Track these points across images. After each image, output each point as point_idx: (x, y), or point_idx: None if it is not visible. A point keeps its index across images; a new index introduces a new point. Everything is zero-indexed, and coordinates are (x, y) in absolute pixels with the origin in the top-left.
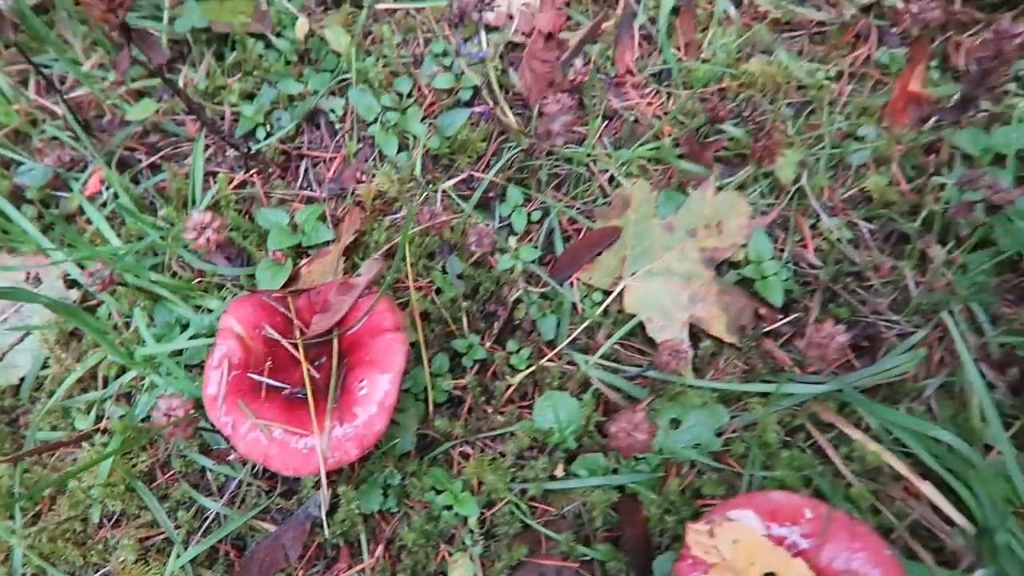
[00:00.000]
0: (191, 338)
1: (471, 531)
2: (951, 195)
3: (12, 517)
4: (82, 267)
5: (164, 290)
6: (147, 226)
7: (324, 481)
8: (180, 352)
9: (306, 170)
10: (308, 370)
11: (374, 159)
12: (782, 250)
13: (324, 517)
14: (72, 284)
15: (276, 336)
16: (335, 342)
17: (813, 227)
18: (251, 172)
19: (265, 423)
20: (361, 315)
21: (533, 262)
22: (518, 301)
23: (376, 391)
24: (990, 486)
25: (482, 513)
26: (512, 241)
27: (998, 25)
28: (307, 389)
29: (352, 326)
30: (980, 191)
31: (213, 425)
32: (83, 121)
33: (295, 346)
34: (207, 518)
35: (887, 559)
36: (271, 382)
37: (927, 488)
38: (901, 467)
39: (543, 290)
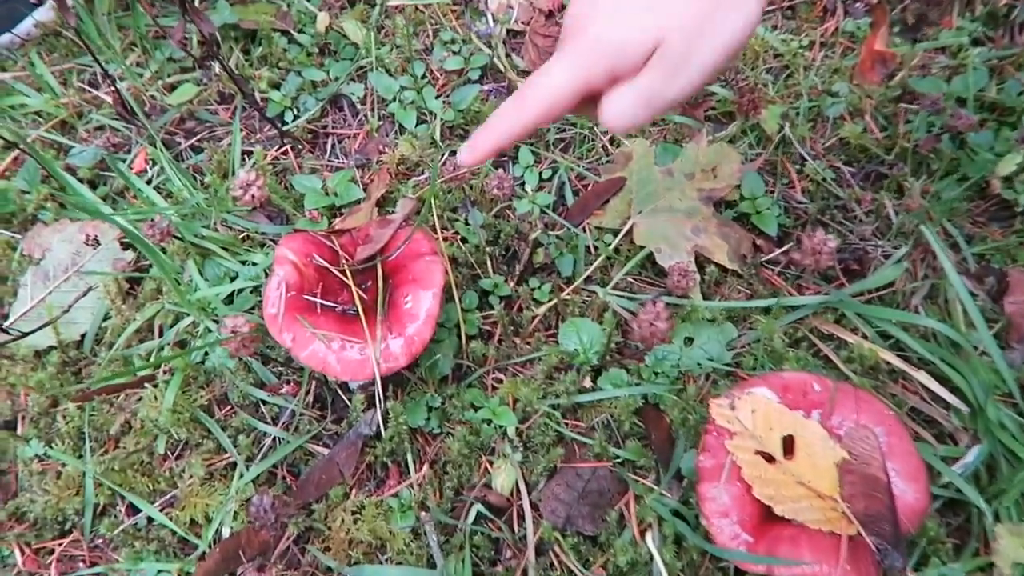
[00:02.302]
0: (240, 288)
1: (511, 440)
2: (919, 134)
3: (81, 456)
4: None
5: (213, 245)
6: (194, 190)
7: (379, 383)
8: (231, 300)
9: (333, 145)
10: (357, 291)
11: (394, 133)
12: (772, 191)
13: (382, 422)
14: (127, 246)
15: (325, 264)
16: (379, 267)
17: (799, 171)
18: (283, 148)
19: (324, 333)
20: (400, 243)
21: (548, 207)
22: (537, 244)
23: (420, 304)
24: (979, 371)
25: (518, 427)
26: (528, 189)
27: None
28: (358, 306)
29: (393, 253)
30: (943, 117)
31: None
32: (129, 107)
33: (343, 272)
34: (264, 445)
35: (889, 418)
36: (324, 301)
37: (922, 376)
38: (897, 361)
39: (559, 233)
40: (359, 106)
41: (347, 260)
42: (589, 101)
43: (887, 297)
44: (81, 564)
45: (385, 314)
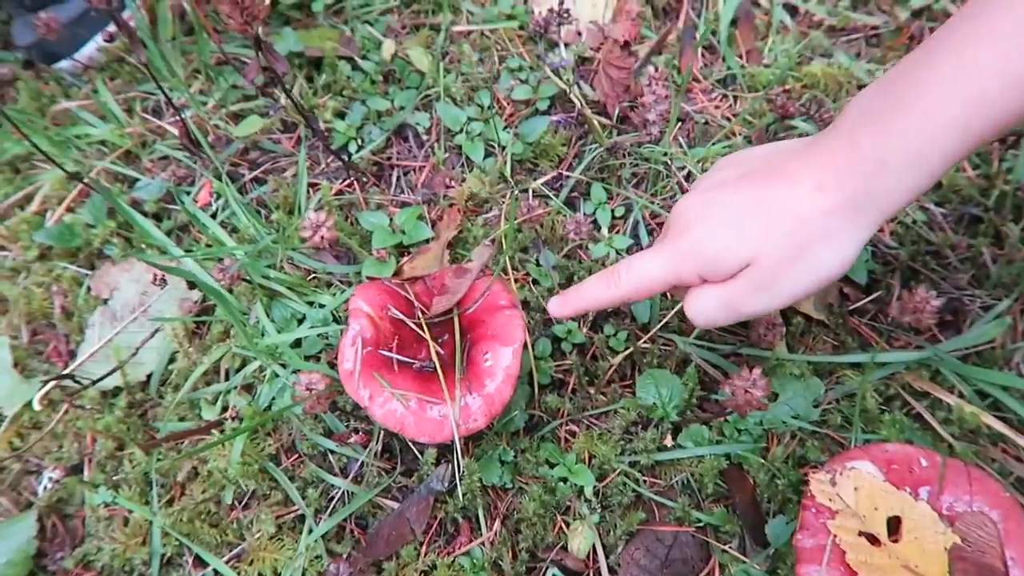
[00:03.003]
0: (310, 328)
1: (588, 500)
2: (1019, 175)
3: (148, 503)
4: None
5: (280, 286)
6: (261, 228)
7: (458, 446)
8: (298, 344)
9: (398, 178)
10: (434, 348)
11: (461, 166)
12: None
13: (459, 480)
14: (193, 286)
15: (401, 316)
16: (456, 321)
17: None
18: (348, 181)
19: (401, 393)
20: (478, 295)
21: (626, 250)
22: None
23: (500, 362)
24: None
25: (595, 486)
26: (604, 231)
27: None
28: (435, 362)
29: (470, 306)
30: None
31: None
32: (194, 139)
33: (419, 325)
34: (333, 497)
35: (1006, 500)
36: (401, 358)
37: None
38: (999, 426)
39: None
40: (424, 137)
41: (422, 311)
42: (678, 286)
43: (986, 353)
44: None
45: (464, 372)
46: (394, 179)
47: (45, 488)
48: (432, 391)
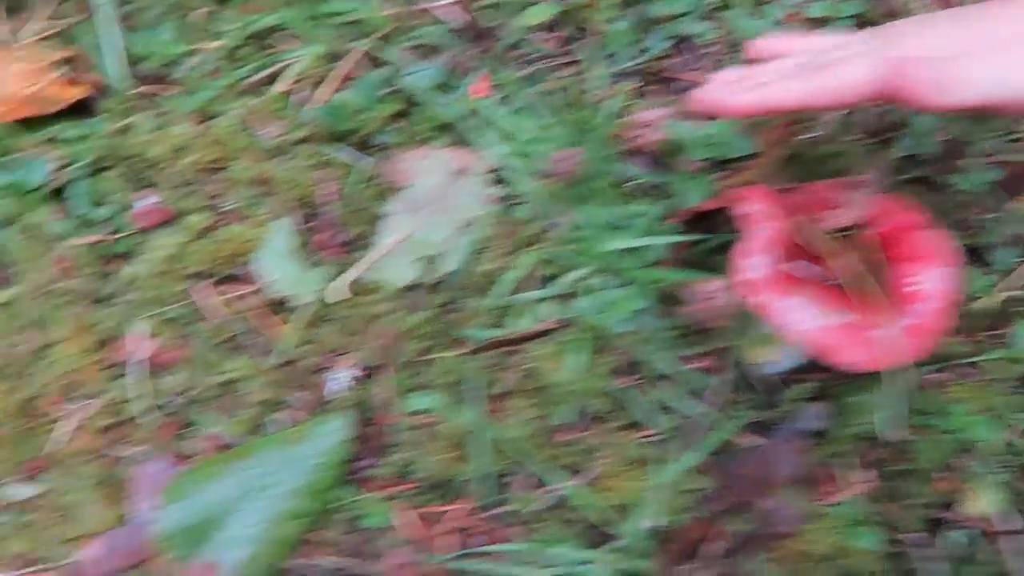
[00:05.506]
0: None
1: (991, 456)
2: None
3: (466, 412)
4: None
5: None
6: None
7: (890, 375)
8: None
9: (685, 88)
10: (848, 262)
11: None
12: None
13: (903, 417)
14: (497, 181)
15: (805, 228)
16: (863, 238)
17: None
18: (634, 87)
19: (824, 311)
20: (881, 212)
21: None
22: None
23: (933, 285)
24: None
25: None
26: None
27: None
28: (852, 281)
29: (878, 223)
30: None
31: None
32: (474, 23)
33: (824, 239)
34: (683, 428)
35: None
36: (813, 273)
37: None
38: None
39: None
40: (708, 49)
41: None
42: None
43: None
44: (473, 538)
45: (889, 295)
46: (679, 89)
47: (347, 388)
48: (853, 311)
